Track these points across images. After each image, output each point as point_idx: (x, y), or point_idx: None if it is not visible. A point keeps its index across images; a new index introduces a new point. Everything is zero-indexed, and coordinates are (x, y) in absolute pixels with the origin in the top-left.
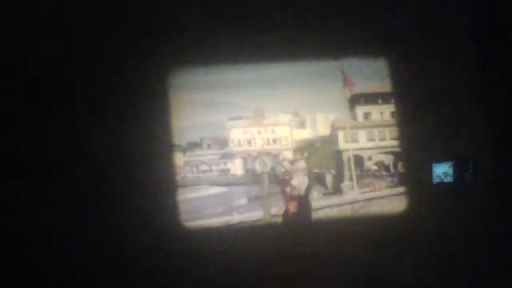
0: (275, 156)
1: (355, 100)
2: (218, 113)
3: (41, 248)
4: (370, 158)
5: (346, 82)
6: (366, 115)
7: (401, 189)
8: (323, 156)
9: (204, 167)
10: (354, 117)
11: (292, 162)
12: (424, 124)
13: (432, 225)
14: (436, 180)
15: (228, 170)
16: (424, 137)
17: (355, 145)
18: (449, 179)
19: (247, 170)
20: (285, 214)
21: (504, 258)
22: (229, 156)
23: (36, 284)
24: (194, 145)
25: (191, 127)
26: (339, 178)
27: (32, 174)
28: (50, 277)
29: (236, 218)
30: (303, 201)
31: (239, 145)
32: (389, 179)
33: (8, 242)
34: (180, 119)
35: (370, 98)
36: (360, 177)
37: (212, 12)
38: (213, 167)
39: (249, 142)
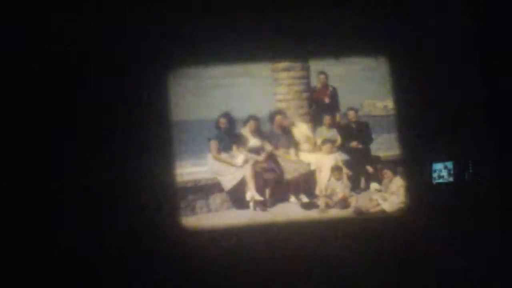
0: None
1: None
2: (218, 113)
3: (40, 248)
4: None
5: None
6: None
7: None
8: None
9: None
10: None
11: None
12: (424, 124)
13: (432, 225)
14: (436, 180)
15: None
16: (424, 137)
17: None
18: (449, 179)
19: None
20: None
21: (504, 258)
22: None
23: (35, 284)
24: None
25: (191, 127)
26: None
27: (32, 174)
28: (49, 278)
29: (237, 218)
30: None
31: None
32: None
33: (7, 242)
34: (180, 118)
35: None
36: None
37: (213, 12)
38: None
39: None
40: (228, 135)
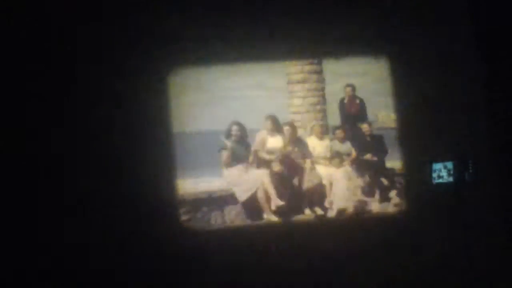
0: None
1: None
2: (218, 113)
3: (41, 248)
4: None
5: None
6: None
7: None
8: None
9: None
10: None
11: None
12: (424, 124)
13: (432, 225)
14: (436, 180)
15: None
16: (424, 137)
17: None
18: (449, 179)
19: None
20: None
21: (504, 258)
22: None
23: (36, 284)
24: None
25: (191, 127)
26: None
27: (32, 173)
28: (50, 278)
29: (237, 218)
30: None
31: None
32: None
33: (7, 242)
34: (180, 119)
35: None
36: None
37: (213, 12)
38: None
39: None
40: (240, 144)
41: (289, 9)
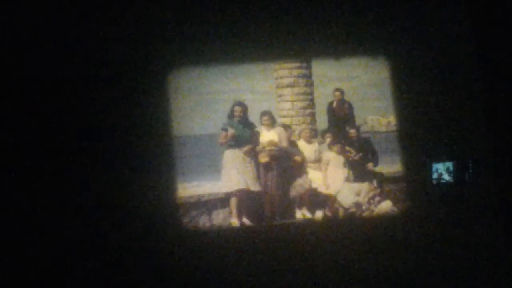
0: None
1: None
2: (218, 113)
3: (41, 248)
4: None
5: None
6: None
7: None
8: None
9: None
10: None
11: None
12: (424, 124)
13: (432, 225)
14: (436, 180)
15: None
16: (424, 137)
17: None
18: (449, 179)
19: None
20: None
21: (504, 258)
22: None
23: (36, 285)
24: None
25: (191, 127)
26: None
27: (31, 173)
28: (50, 278)
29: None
30: None
31: None
32: None
33: (8, 242)
34: (180, 119)
35: None
36: None
37: (212, 12)
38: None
39: None
40: (242, 124)
41: (289, 10)
